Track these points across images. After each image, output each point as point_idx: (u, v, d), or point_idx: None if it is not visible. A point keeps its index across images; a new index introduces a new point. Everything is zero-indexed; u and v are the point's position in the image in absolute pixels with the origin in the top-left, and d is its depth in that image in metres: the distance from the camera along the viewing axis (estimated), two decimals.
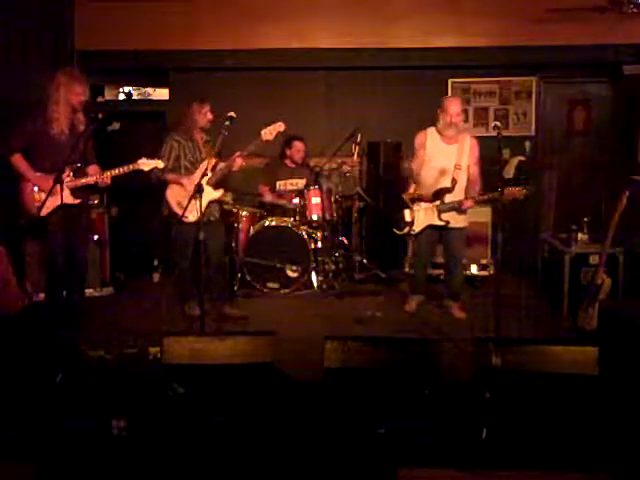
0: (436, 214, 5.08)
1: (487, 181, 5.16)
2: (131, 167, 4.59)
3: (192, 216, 4.76)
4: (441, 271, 5.89)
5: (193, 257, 5.05)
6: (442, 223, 5.08)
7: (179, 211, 4.89)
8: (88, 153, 4.75)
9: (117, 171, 4.59)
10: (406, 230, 5.24)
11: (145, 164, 4.61)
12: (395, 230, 5.34)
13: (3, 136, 4.90)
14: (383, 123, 7.10)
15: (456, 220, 5.11)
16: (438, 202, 5.08)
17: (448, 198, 5.06)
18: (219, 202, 5.38)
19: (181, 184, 5.04)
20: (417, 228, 5.18)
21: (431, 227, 5.15)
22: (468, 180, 5.12)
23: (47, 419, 3.24)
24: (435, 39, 6.93)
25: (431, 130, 5.22)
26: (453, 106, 5.10)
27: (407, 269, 6.39)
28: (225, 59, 7.02)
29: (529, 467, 2.43)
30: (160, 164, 4.70)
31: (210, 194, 5.02)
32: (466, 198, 5.04)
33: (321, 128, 7.05)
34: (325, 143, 6.90)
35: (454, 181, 5.05)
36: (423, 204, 5.15)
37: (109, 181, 4.62)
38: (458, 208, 5.07)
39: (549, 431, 2.77)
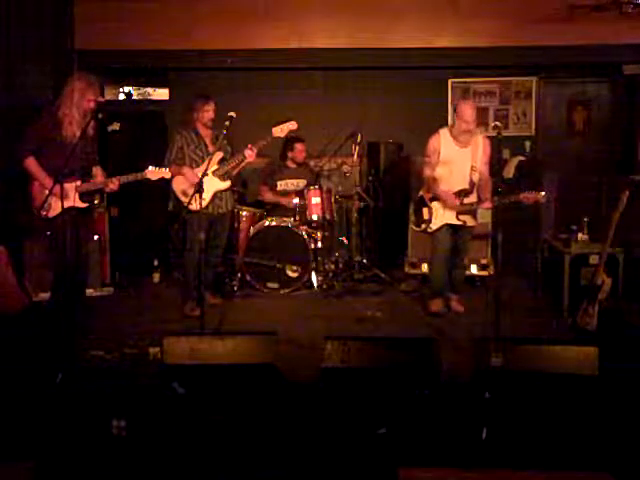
0: (454, 214, 5.13)
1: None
2: (139, 176, 4.56)
3: (198, 207, 4.81)
4: None
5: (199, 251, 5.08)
6: (460, 223, 5.16)
7: (185, 199, 5.09)
8: (93, 154, 4.75)
9: (125, 178, 4.59)
10: (423, 227, 5.31)
11: (153, 173, 4.58)
12: (413, 226, 5.50)
13: (3, 136, 4.91)
14: (383, 123, 7.11)
15: (470, 220, 5.22)
16: (458, 202, 5.12)
17: (466, 200, 5.12)
18: (233, 191, 5.61)
19: (183, 174, 5.20)
20: (434, 226, 5.21)
21: (448, 226, 5.19)
22: (478, 180, 5.15)
23: (47, 419, 3.24)
24: (435, 39, 6.92)
25: (444, 133, 5.20)
26: (468, 111, 5.05)
27: (407, 269, 6.39)
28: (225, 59, 7.02)
29: (529, 467, 2.43)
30: (168, 174, 4.67)
31: (216, 184, 5.24)
32: (483, 200, 5.05)
33: (321, 128, 7.04)
34: (325, 143, 6.89)
35: (472, 183, 5.12)
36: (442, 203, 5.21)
37: (116, 187, 4.61)
38: (475, 209, 5.14)
39: (549, 431, 2.77)
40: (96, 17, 6.76)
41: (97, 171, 4.73)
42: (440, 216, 5.19)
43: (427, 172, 5.23)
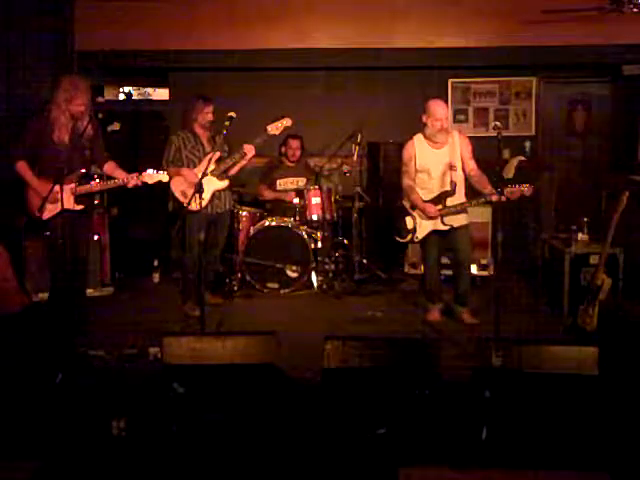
0: (439, 219, 4.97)
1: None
2: (137, 179, 4.57)
3: (198, 207, 4.80)
4: (447, 271, 5.72)
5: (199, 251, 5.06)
6: (446, 228, 4.98)
7: (184, 200, 5.08)
8: (97, 154, 4.75)
9: (118, 182, 4.60)
10: (409, 238, 5.13)
11: (150, 177, 4.57)
12: (397, 238, 5.23)
13: (3, 136, 4.92)
14: (383, 123, 7.11)
15: (458, 220, 5.01)
16: (440, 206, 4.96)
17: (449, 201, 4.96)
18: (232, 191, 5.62)
19: (181, 175, 5.18)
20: (420, 235, 5.07)
21: (435, 232, 5.04)
22: (471, 177, 4.98)
23: (47, 419, 3.24)
24: (435, 39, 6.92)
25: (418, 138, 5.06)
26: (441, 110, 4.93)
27: (407, 269, 6.39)
28: (225, 59, 7.02)
29: (529, 467, 2.43)
30: (165, 177, 4.64)
31: (215, 184, 5.22)
32: (489, 194, 4.76)
33: (321, 128, 7.05)
34: (325, 143, 6.90)
35: (453, 183, 4.94)
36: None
37: (133, 184, 4.57)
38: (461, 211, 4.96)
39: (549, 431, 2.77)
40: (96, 17, 6.76)
41: (110, 165, 4.74)
42: (425, 224, 5.03)
43: (406, 181, 5.08)
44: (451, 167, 4.94)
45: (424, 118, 4.98)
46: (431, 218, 4.99)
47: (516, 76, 7.43)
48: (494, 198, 4.68)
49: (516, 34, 6.84)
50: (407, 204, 5.13)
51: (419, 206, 5.01)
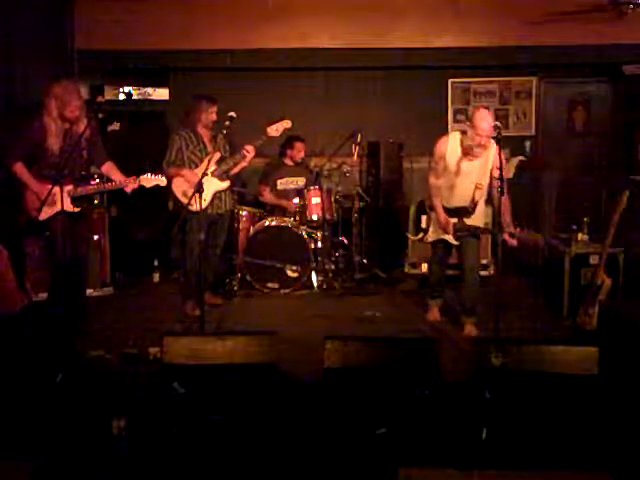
0: (452, 234, 4.73)
1: None
2: (135, 183, 4.56)
3: (199, 207, 4.79)
4: (453, 271, 5.51)
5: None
6: (456, 243, 4.76)
7: (185, 200, 5.05)
8: (96, 154, 4.75)
9: (111, 185, 4.63)
10: (420, 236, 5.02)
11: (148, 181, 4.56)
12: (409, 235, 5.20)
13: (2, 137, 4.92)
14: (383, 123, 7.11)
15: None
16: (456, 220, 4.70)
17: (466, 220, 4.71)
18: (232, 192, 5.59)
19: (182, 176, 5.18)
20: (431, 238, 4.91)
21: (445, 240, 4.84)
22: (494, 196, 4.61)
23: (47, 419, 3.25)
24: (435, 39, 6.93)
25: (454, 137, 4.66)
26: (486, 124, 4.41)
27: (407, 269, 6.39)
28: (225, 59, 7.02)
29: (529, 467, 2.43)
30: (163, 181, 4.63)
31: (215, 185, 5.22)
32: (506, 225, 4.45)
33: (321, 128, 7.05)
34: (325, 143, 6.90)
35: (474, 202, 4.65)
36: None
37: (131, 189, 4.57)
38: (472, 232, 4.69)
39: (549, 431, 2.77)
40: (96, 17, 6.76)
41: (108, 166, 4.75)
42: (437, 229, 4.83)
43: (432, 180, 4.78)
44: (477, 185, 4.62)
45: (467, 126, 4.58)
46: (441, 228, 4.79)
47: (516, 76, 7.43)
48: (505, 237, 4.43)
49: (516, 34, 6.85)
50: (427, 203, 4.95)
51: (437, 212, 4.76)
